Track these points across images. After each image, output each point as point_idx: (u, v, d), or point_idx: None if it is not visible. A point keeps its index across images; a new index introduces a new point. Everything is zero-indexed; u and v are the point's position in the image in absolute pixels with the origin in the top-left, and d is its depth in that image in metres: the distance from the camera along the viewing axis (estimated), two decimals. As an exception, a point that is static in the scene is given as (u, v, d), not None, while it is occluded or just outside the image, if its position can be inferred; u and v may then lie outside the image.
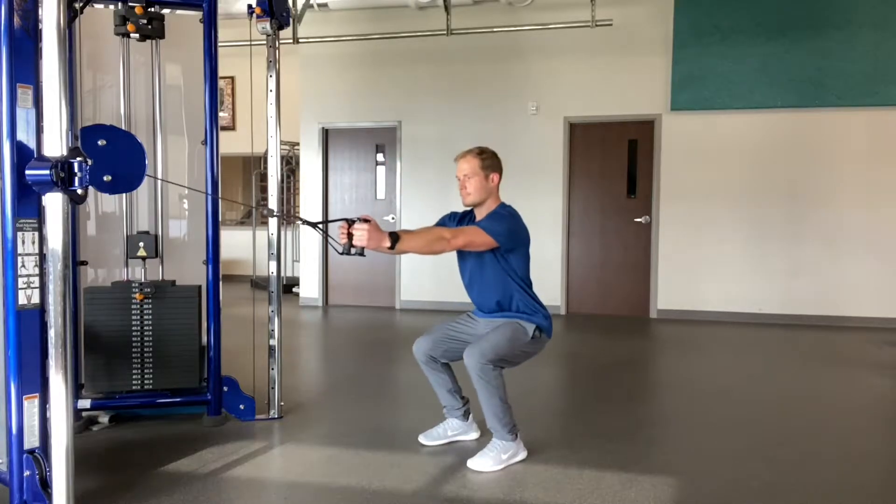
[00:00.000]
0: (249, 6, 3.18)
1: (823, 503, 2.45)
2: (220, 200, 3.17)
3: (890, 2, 6.07)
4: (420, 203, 7.12)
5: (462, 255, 2.90)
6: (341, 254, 2.50)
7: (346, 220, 2.49)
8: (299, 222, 2.69)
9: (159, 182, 3.23)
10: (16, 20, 2.02)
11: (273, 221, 3.29)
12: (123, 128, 3.08)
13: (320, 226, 2.64)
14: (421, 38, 6.84)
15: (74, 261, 3.10)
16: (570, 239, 6.94)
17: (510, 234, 2.74)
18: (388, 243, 2.47)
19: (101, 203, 3.25)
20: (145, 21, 3.03)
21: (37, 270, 2.10)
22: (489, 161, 2.83)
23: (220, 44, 3.17)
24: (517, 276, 2.82)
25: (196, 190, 3.24)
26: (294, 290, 8.04)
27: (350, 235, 2.47)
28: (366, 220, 2.45)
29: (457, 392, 3.01)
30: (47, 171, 1.99)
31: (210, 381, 3.18)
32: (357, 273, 7.47)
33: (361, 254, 2.47)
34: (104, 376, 3.07)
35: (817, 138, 6.34)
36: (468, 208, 2.97)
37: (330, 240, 2.56)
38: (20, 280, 2.07)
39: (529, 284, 2.88)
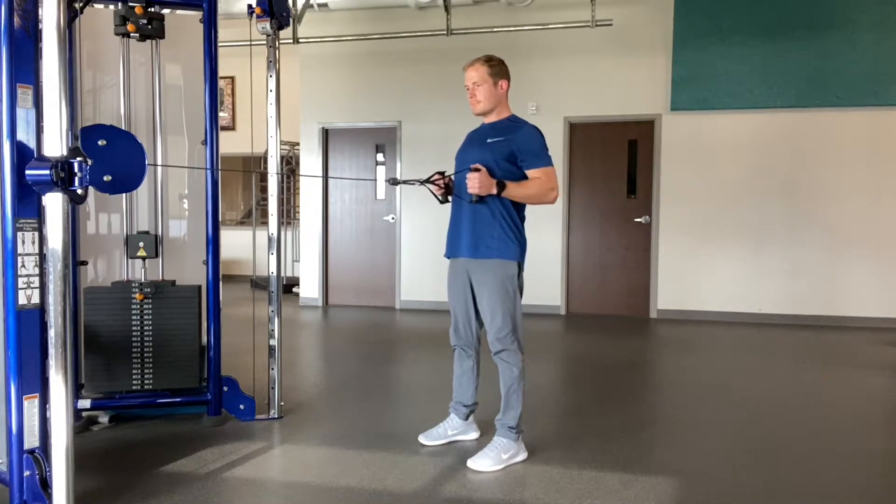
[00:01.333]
0: (249, 6, 3.18)
1: (823, 503, 2.46)
2: (220, 202, 3.17)
3: (890, 2, 6.07)
4: (420, 204, 7.13)
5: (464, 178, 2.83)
6: (442, 202, 2.93)
7: (440, 173, 2.85)
8: (416, 184, 3.00)
9: (159, 182, 3.23)
10: (16, 20, 2.02)
11: (273, 221, 3.30)
12: (123, 128, 3.08)
13: (429, 181, 2.90)
14: (421, 38, 6.84)
15: (74, 261, 3.10)
16: (570, 239, 6.94)
17: (547, 151, 2.79)
18: (495, 190, 2.67)
19: (101, 203, 3.25)
20: (145, 21, 3.03)
21: (37, 270, 2.10)
22: (497, 68, 2.85)
23: (220, 44, 3.17)
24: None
25: (196, 167, 3.24)
26: (294, 290, 8.04)
27: (447, 186, 2.84)
28: (476, 170, 2.67)
29: (474, 389, 3.01)
30: (47, 171, 1.99)
31: (210, 381, 3.18)
32: (357, 273, 7.48)
33: (481, 200, 2.72)
34: (104, 376, 3.07)
35: (817, 138, 6.34)
36: (473, 130, 2.98)
37: (434, 194, 2.93)
38: (20, 280, 2.07)
39: (522, 205, 2.83)
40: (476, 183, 2.64)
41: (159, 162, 3.22)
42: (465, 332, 2.92)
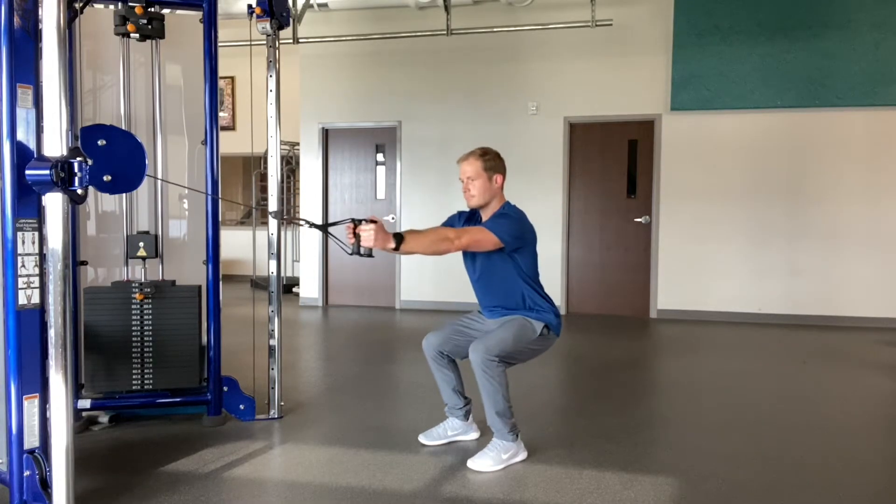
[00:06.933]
0: (249, 6, 3.19)
1: (823, 503, 2.46)
2: (219, 201, 3.17)
3: (890, 2, 6.07)
4: (420, 203, 7.12)
5: (470, 254, 2.88)
6: (350, 254, 2.55)
7: (353, 220, 2.53)
8: (305, 225, 2.84)
9: (159, 182, 3.23)
10: (16, 20, 2.02)
11: (273, 221, 3.30)
12: (123, 128, 3.08)
13: (328, 228, 2.69)
14: (421, 38, 6.84)
15: (74, 261, 3.10)
16: (570, 239, 6.93)
17: (515, 234, 2.74)
18: (392, 244, 2.50)
19: (101, 203, 3.25)
20: (145, 21, 3.03)
21: (37, 270, 2.10)
22: (492, 162, 2.81)
23: (220, 44, 3.17)
24: (526, 274, 2.83)
25: (195, 190, 3.24)
26: (294, 290, 8.04)
27: (357, 236, 2.50)
28: (372, 221, 2.48)
29: (460, 391, 3.01)
30: (47, 171, 1.99)
31: (210, 381, 3.18)
32: (357, 273, 7.47)
33: (370, 255, 2.52)
34: (104, 376, 3.07)
35: (817, 138, 6.34)
36: (469, 213, 2.99)
37: (337, 242, 2.66)
38: (20, 280, 2.07)
39: (538, 282, 2.89)
40: (371, 235, 2.46)
41: (159, 162, 3.22)
42: (440, 345, 2.93)
